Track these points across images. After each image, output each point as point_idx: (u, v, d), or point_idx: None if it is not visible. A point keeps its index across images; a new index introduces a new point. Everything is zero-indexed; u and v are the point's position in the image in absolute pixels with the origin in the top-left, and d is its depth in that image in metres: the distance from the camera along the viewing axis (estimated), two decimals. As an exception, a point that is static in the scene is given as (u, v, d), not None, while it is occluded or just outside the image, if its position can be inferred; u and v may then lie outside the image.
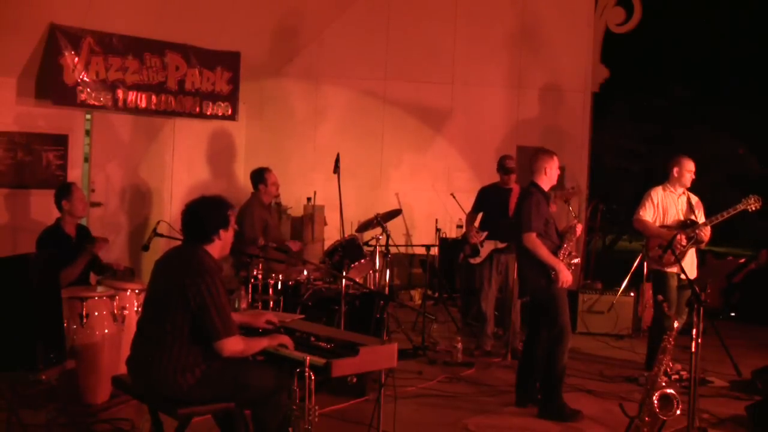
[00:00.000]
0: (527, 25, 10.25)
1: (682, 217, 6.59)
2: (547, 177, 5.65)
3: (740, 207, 6.35)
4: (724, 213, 6.35)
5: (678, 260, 5.94)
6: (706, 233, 6.43)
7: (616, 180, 14.37)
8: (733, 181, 13.86)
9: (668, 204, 6.63)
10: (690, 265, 6.42)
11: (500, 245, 7.12)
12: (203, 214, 3.97)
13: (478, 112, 10.28)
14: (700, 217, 6.57)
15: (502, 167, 7.24)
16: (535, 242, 5.45)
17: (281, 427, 3.87)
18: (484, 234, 7.22)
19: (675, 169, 6.62)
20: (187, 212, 4.00)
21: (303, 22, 9.74)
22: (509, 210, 6.94)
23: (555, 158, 5.68)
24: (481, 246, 7.23)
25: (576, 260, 5.65)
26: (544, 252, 5.43)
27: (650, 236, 6.65)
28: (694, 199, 6.68)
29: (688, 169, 6.59)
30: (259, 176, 7.05)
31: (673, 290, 6.45)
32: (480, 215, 7.45)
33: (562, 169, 5.96)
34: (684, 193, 6.66)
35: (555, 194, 5.95)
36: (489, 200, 7.34)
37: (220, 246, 3.99)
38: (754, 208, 6.35)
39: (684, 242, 6.38)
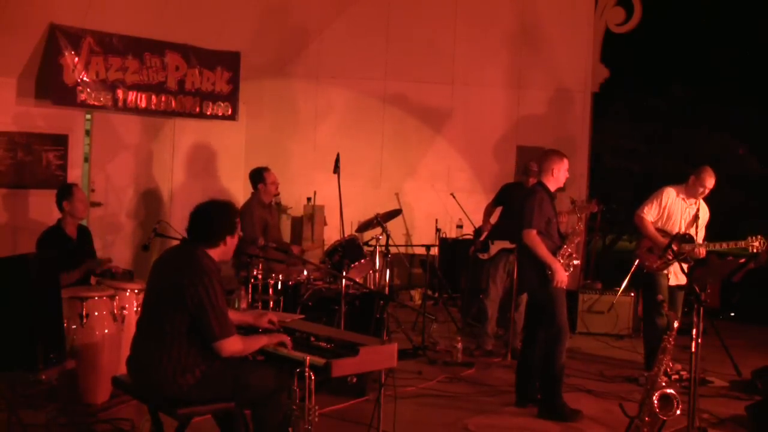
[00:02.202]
0: (527, 25, 10.25)
1: (682, 229, 6.51)
2: (554, 178, 5.65)
3: (742, 244, 6.29)
4: (724, 244, 6.32)
5: (678, 259, 5.93)
6: (699, 254, 6.39)
7: (616, 180, 14.34)
8: (733, 181, 13.85)
9: (675, 210, 6.55)
10: (679, 271, 6.38)
11: (510, 245, 7.12)
12: (214, 217, 3.97)
13: (478, 112, 10.28)
14: (702, 229, 6.53)
15: (525, 169, 7.31)
16: (534, 239, 5.45)
17: (281, 427, 3.87)
18: (486, 231, 7.29)
19: (692, 178, 6.50)
20: (197, 213, 3.98)
21: (303, 22, 9.74)
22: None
23: (565, 161, 5.67)
24: (492, 243, 7.25)
25: (576, 262, 5.65)
26: (542, 250, 5.43)
27: (644, 236, 6.64)
28: (703, 209, 6.58)
29: (701, 184, 6.44)
30: (258, 176, 7.05)
31: (664, 289, 6.44)
32: (499, 210, 7.50)
33: (565, 170, 5.95)
34: (695, 203, 6.55)
35: (575, 208, 5.97)
36: (509, 197, 7.36)
37: (222, 251, 3.99)
38: (755, 250, 6.30)
39: (675, 250, 6.31)
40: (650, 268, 6.46)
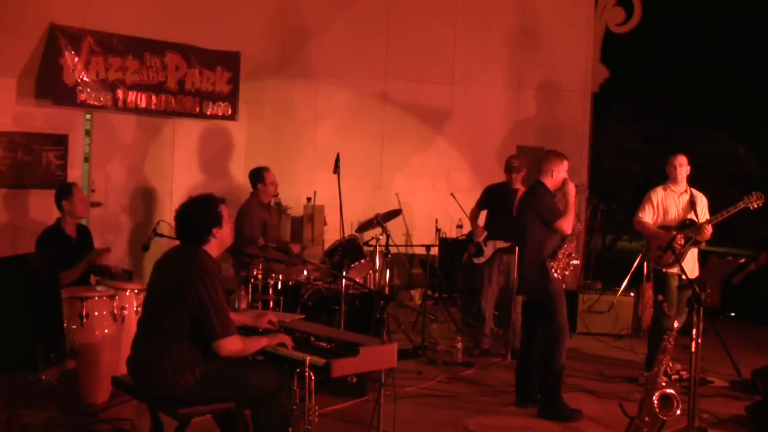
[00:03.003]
0: (527, 25, 10.25)
1: (681, 217, 6.58)
2: (553, 179, 5.65)
3: (741, 205, 6.29)
4: (724, 212, 6.32)
5: (678, 260, 5.93)
6: (706, 232, 6.41)
7: (616, 180, 14.35)
8: (733, 181, 13.86)
9: (669, 204, 6.61)
10: (691, 265, 6.42)
11: (503, 245, 7.13)
12: (193, 216, 3.97)
13: (478, 112, 10.28)
14: (703, 215, 6.55)
15: (508, 166, 7.27)
16: (564, 220, 5.45)
17: (281, 427, 3.87)
18: (485, 233, 7.26)
19: (667, 168, 6.65)
20: (178, 216, 4.01)
21: (303, 21, 9.74)
22: (513, 210, 6.93)
23: (565, 162, 5.67)
24: (485, 245, 7.25)
25: (575, 262, 5.66)
26: (570, 213, 5.48)
27: (649, 237, 6.65)
28: (698, 196, 6.63)
29: (677, 164, 6.57)
30: (257, 176, 7.04)
31: (674, 290, 6.44)
32: (484, 213, 7.47)
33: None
34: (686, 191, 6.62)
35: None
36: (494, 198, 7.35)
37: (217, 244, 3.99)
38: (755, 206, 6.28)
39: (681, 242, 6.36)
40: (666, 264, 6.42)
